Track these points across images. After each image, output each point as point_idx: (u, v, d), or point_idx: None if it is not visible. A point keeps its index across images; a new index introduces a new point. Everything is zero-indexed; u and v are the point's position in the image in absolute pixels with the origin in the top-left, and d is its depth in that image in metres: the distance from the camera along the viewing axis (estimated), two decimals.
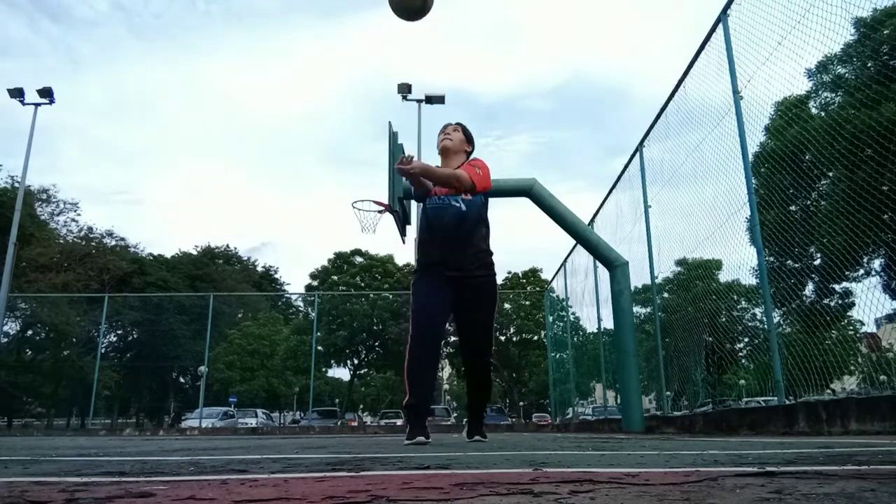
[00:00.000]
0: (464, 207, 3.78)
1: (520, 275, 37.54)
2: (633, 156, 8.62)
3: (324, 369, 35.78)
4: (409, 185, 8.05)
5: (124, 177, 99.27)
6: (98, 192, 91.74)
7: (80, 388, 27.74)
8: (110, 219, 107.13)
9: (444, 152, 3.91)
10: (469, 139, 3.95)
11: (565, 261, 14.45)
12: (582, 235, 8.55)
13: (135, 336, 36.60)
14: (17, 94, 15.68)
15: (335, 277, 35.05)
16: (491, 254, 3.90)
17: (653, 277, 7.83)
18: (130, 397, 37.60)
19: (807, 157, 5.31)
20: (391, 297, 31.95)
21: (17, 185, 24.69)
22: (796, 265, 5.65)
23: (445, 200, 3.80)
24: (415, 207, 15.11)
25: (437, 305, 3.65)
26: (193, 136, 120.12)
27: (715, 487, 0.98)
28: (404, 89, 14.71)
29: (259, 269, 53.76)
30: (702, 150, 6.21)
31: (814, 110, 6.89)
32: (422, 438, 3.27)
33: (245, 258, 52.98)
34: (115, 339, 36.89)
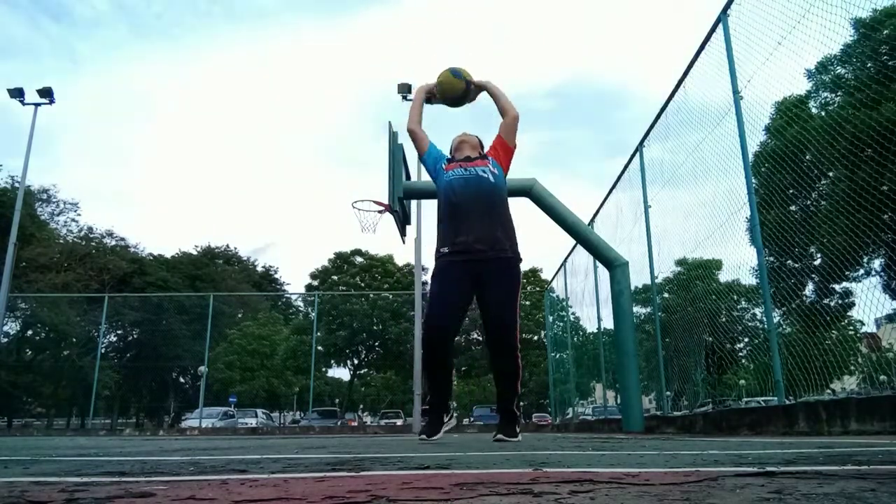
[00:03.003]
0: (492, 180, 3.38)
1: None
2: (633, 156, 8.62)
3: (324, 369, 35.80)
4: (409, 185, 8.07)
5: (124, 177, 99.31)
6: (98, 192, 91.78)
7: (80, 388, 27.74)
8: (110, 219, 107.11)
9: (461, 145, 3.66)
10: (482, 148, 3.76)
11: (565, 261, 14.45)
12: (582, 235, 8.55)
13: (135, 336, 36.60)
14: (17, 94, 15.68)
15: (335, 277, 35.06)
16: (517, 241, 3.46)
17: (653, 277, 7.83)
18: (130, 397, 37.60)
19: (807, 157, 5.31)
20: (391, 297, 31.96)
21: (17, 185, 24.70)
22: (796, 265, 5.65)
23: (472, 172, 3.39)
24: (415, 207, 15.06)
25: (452, 311, 3.32)
26: (193, 136, 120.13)
27: (715, 487, 0.98)
28: (404, 89, 14.70)
29: (259, 269, 53.80)
30: (702, 150, 6.21)
31: (814, 110, 6.88)
32: (424, 437, 3.31)
33: (245, 258, 53.05)
34: (114, 339, 36.91)
